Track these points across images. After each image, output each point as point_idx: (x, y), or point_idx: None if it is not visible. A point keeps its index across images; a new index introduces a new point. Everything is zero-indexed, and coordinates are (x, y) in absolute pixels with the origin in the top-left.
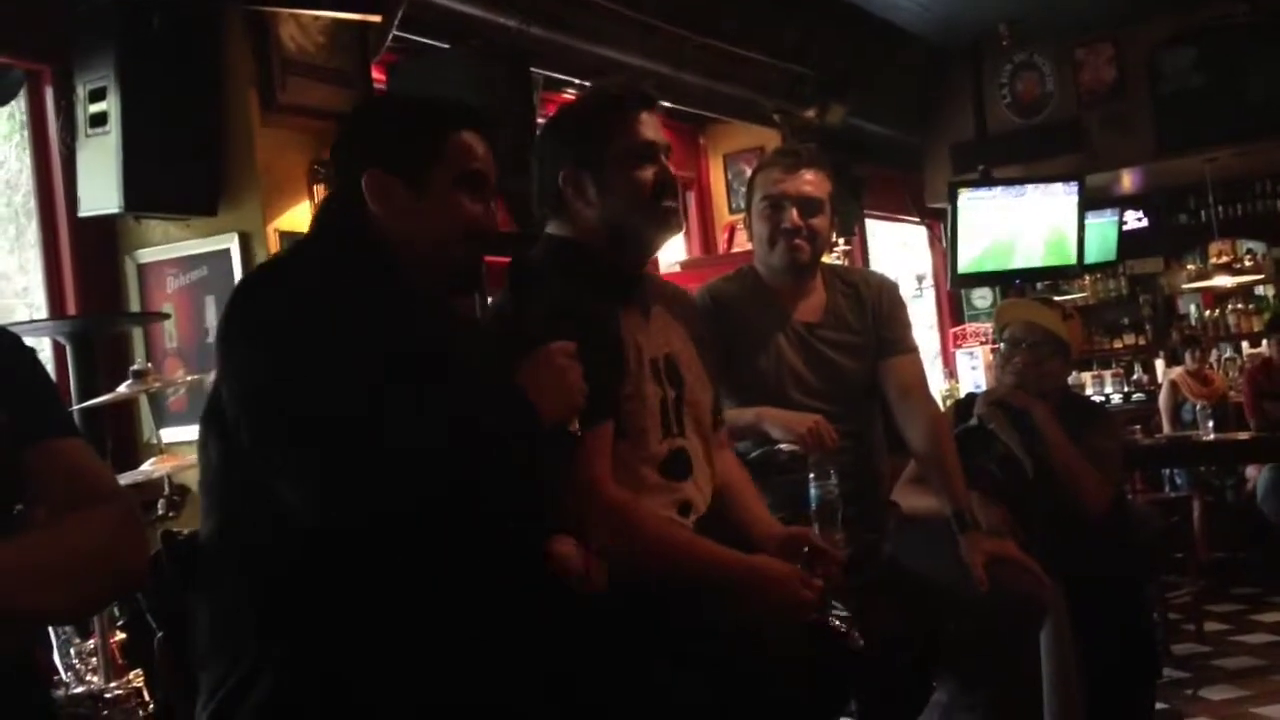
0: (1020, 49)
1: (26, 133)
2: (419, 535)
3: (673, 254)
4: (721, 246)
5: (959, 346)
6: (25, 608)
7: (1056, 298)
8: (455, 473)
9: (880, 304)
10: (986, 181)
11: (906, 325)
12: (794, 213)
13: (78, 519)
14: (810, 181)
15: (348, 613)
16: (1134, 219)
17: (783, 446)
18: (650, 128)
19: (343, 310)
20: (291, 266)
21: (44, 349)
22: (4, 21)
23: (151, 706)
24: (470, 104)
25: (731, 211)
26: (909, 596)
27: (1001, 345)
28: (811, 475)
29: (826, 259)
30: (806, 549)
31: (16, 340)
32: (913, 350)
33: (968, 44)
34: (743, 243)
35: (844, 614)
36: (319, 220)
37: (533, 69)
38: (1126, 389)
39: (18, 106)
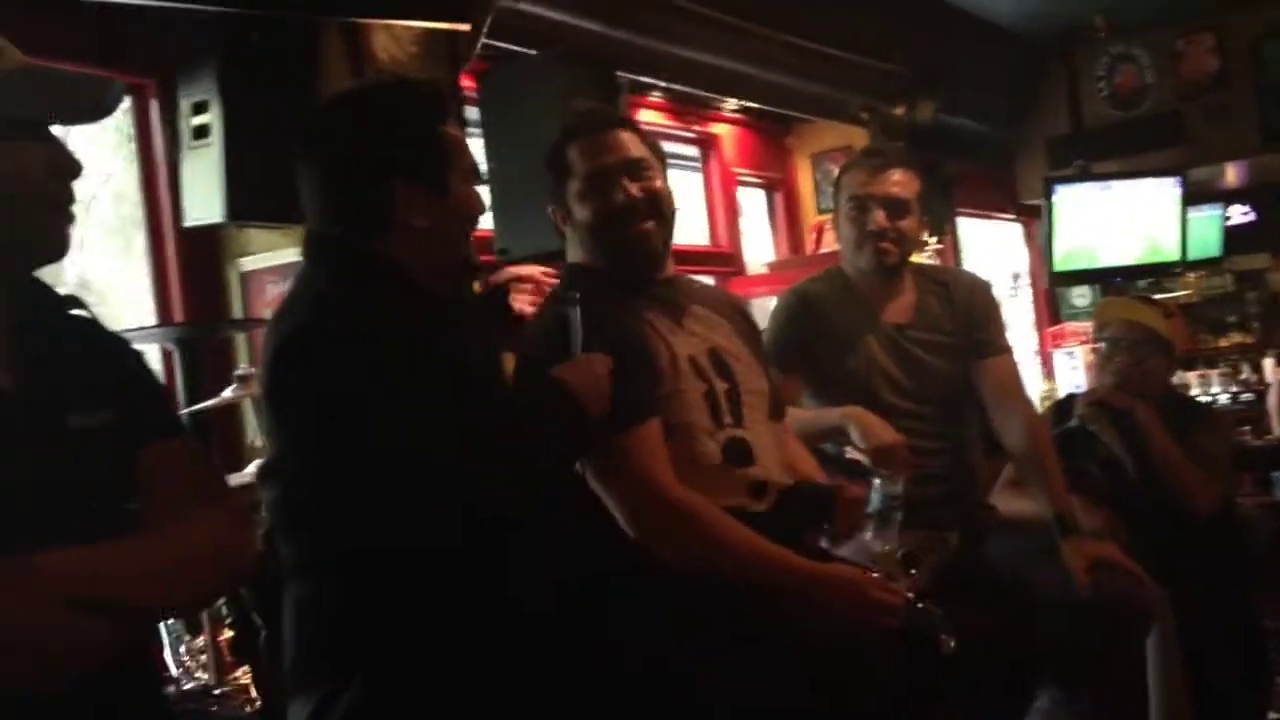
0: (1117, 40)
1: (133, 145)
2: (493, 545)
3: (760, 255)
4: (809, 247)
5: (1057, 346)
6: (141, 603)
7: (1158, 295)
8: (531, 481)
9: (972, 304)
10: (1083, 176)
11: (1000, 325)
12: (880, 215)
13: (189, 518)
14: (897, 182)
15: (419, 635)
16: (1239, 213)
17: (853, 454)
18: (604, 151)
19: (397, 339)
20: (326, 307)
21: (152, 355)
22: (112, 37)
23: (258, 703)
24: (434, 87)
25: (819, 212)
26: (1003, 601)
27: (1102, 345)
28: (878, 479)
29: (917, 258)
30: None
31: (126, 344)
32: (1007, 350)
33: (1062, 36)
34: (831, 243)
35: (935, 618)
36: (322, 246)
37: (618, 73)
38: (1234, 389)
39: (125, 120)
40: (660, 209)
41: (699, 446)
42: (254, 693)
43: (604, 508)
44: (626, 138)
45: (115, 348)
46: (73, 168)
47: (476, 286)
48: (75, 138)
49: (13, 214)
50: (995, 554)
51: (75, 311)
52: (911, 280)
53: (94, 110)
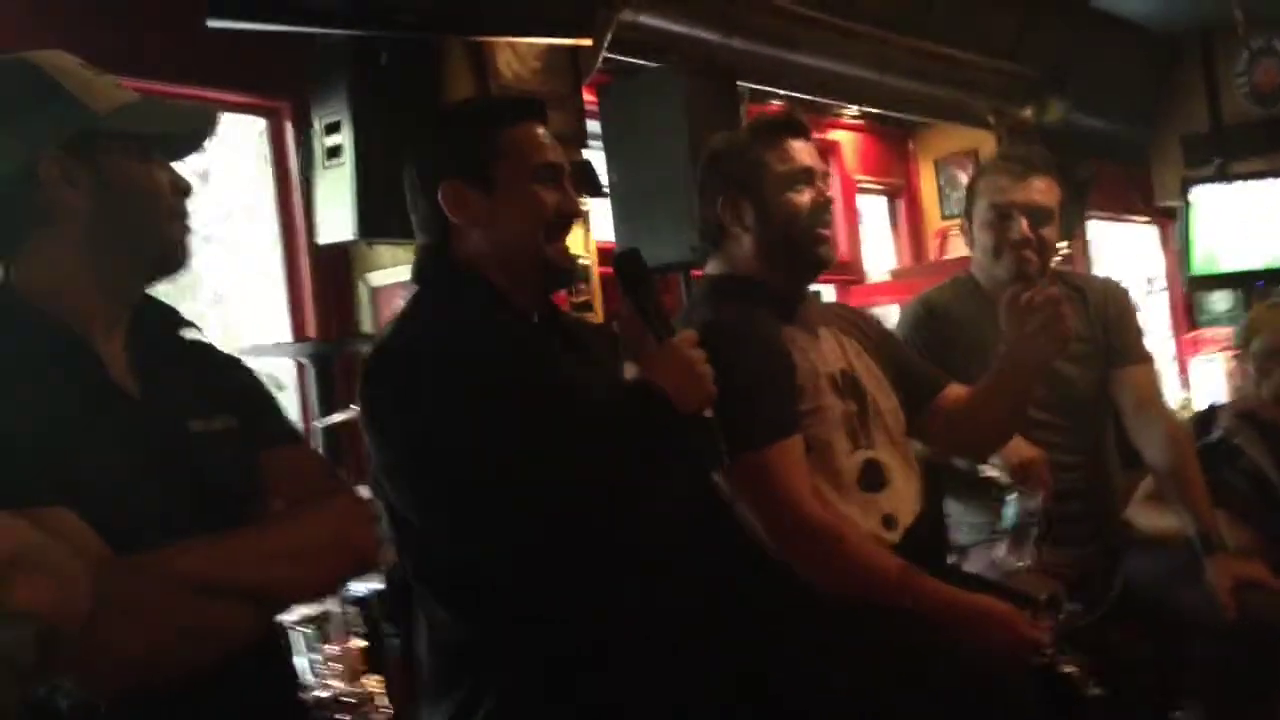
0: (1257, 35)
1: (269, 165)
2: (602, 552)
3: (881, 262)
4: (933, 254)
5: (1194, 353)
6: (267, 588)
7: None
8: (613, 483)
9: (1108, 310)
10: (1223, 175)
11: (1138, 332)
12: (1024, 224)
13: (313, 506)
14: (1041, 190)
15: (540, 638)
16: None
17: (990, 472)
18: (806, 154)
19: (466, 364)
20: (408, 328)
21: (286, 370)
22: (248, 62)
23: (389, 711)
24: (519, 98)
25: (943, 217)
26: (1144, 622)
27: (1253, 353)
28: (1015, 494)
29: None
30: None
31: (237, 360)
32: (1147, 359)
33: (1199, 31)
34: (955, 249)
35: (1078, 661)
36: (419, 265)
37: (738, 82)
38: None
39: (261, 140)
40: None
41: (837, 466)
42: (384, 701)
43: (744, 525)
44: (814, 147)
45: (229, 361)
46: (187, 187)
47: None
48: (215, 158)
49: (152, 228)
50: (1134, 572)
51: (189, 330)
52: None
53: (192, 140)
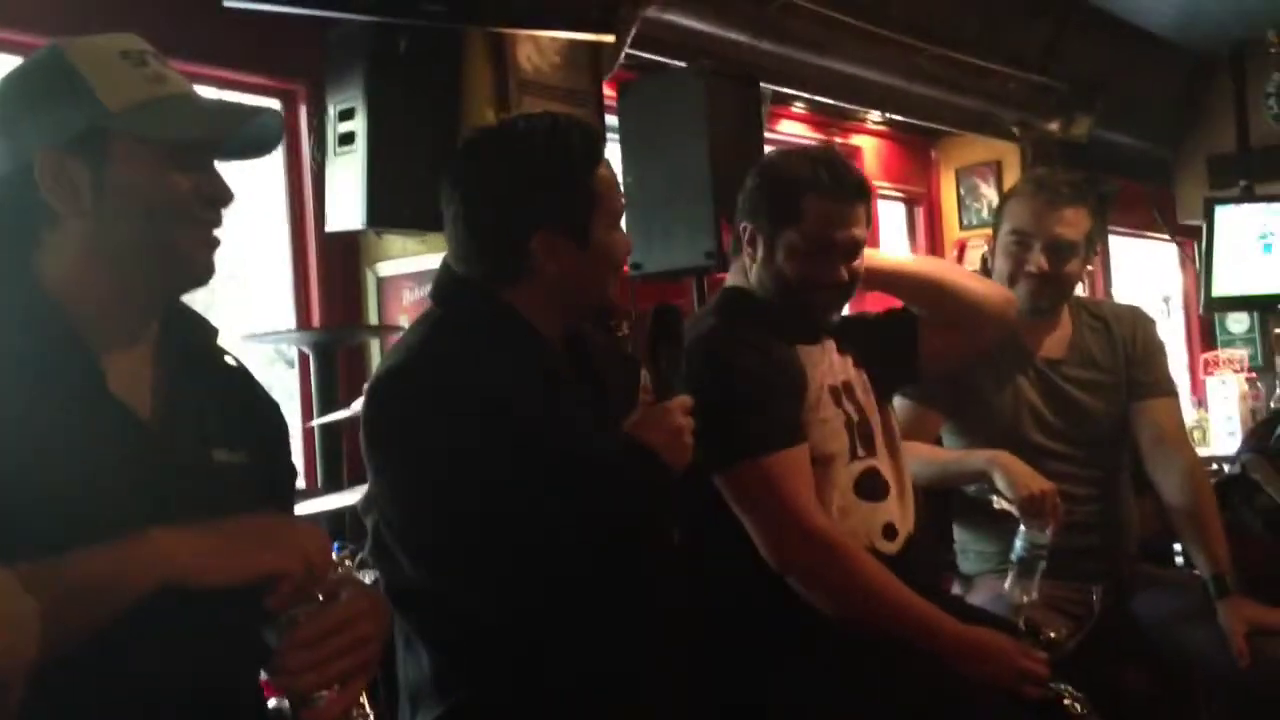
0: None
1: (281, 148)
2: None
3: None
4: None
5: (1209, 374)
6: None
7: None
8: (598, 544)
9: (1134, 341)
10: (1248, 197)
11: (1164, 366)
12: (1042, 258)
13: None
14: (1068, 223)
15: (511, 673)
16: None
17: (1000, 503)
18: (840, 224)
19: (482, 405)
20: (428, 358)
21: (290, 358)
22: (264, 43)
23: (368, 712)
24: (589, 129)
25: (962, 228)
26: (1154, 665)
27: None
28: (1023, 526)
29: None
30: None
31: (268, 395)
32: (1170, 393)
33: (1230, 51)
34: (974, 261)
35: (1079, 695)
36: (446, 288)
37: (762, 84)
38: None
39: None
40: (854, 288)
41: (838, 475)
42: (367, 708)
43: (743, 536)
44: (862, 213)
45: (259, 394)
46: (220, 196)
47: (625, 328)
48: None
49: (158, 236)
50: (1143, 609)
51: (223, 352)
52: (1068, 314)
53: (253, 143)
